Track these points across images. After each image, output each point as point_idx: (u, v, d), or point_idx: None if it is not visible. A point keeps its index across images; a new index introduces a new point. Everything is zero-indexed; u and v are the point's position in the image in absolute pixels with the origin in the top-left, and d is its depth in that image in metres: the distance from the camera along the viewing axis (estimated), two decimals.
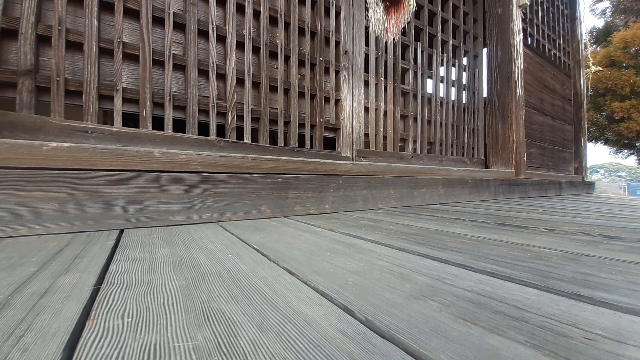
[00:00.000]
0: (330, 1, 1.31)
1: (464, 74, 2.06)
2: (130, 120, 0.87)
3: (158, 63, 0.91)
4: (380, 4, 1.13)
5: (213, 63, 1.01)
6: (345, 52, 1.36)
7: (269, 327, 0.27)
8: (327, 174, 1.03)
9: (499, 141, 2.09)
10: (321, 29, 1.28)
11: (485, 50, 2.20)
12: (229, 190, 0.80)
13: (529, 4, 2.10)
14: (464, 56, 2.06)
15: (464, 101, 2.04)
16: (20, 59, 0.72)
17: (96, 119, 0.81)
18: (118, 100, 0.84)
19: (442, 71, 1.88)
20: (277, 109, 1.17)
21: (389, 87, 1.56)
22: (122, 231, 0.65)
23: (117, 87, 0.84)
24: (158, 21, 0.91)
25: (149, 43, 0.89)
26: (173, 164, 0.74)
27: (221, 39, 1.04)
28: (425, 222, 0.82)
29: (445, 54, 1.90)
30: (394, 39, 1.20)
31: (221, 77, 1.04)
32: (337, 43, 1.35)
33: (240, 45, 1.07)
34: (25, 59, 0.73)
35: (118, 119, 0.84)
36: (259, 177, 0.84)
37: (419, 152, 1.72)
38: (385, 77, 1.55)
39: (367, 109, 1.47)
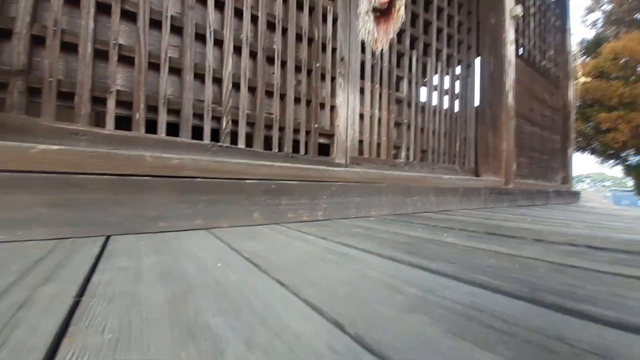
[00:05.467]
0: (328, 8, 1.32)
1: (457, 82, 2.09)
2: (123, 123, 0.86)
3: (154, 66, 0.91)
4: (370, 14, 1.15)
5: (209, 67, 1.00)
6: (342, 59, 1.37)
7: (257, 344, 0.26)
8: (320, 181, 1.04)
9: (489, 150, 2.13)
10: (318, 36, 1.29)
11: (478, 60, 2.25)
12: (221, 196, 0.79)
13: (521, 15, 2.16)
14: (458, 65, 2.10)
15: (456, 110, 2.08)
16: (13, 59, 0.71)
17: (88, 121, 0.80)
18: (111, 103, 0.83)
19: (436, 80, 1.91)
20: (272, 114, 1.17)
21: (384, 95, 1.58)
22: (108, 238, 0.64)
23: (111, 90, 0.83)
24: (155, 24, 0.91)
25: (145, 46, 0.88)
26: (165, 169, 0.74)
27: (218, 42, 1.04)
28: (416, 231, 0.83)
29: (439, 63, 1.93)
30: (382, 49, 1.22)
31: (217, 81, 1.04)
32: (334, 50, 1.36)
33: (238, 50, 1.08)
34: (18, 59, 0.71)
35: (110, 122, 0.83)
36: (252, 183, 0.84)
37: (411, 159, 1.74)
38: (381, 85, 1.57)
39: (362, 116, 1.48)
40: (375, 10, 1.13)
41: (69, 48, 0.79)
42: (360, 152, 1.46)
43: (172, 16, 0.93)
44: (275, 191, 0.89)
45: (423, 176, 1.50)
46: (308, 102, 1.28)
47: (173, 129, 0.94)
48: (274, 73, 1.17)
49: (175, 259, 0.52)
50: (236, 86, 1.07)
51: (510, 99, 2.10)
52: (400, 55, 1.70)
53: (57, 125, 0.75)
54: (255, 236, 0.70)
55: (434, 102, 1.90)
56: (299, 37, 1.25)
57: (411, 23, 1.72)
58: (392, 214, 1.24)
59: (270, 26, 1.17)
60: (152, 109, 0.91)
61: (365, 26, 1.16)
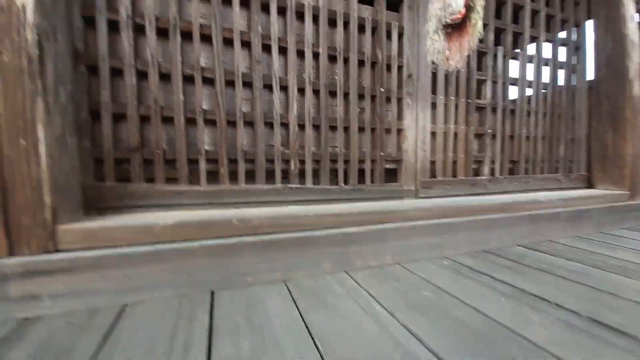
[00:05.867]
0: (392, 24, 1.23)
1: (561, 72, 1.70)
2: (211, 176, 1.00)
3: (231, 123, 1.01)
4: (440, 32, 1.01)
5: (277, 114, 1.06)
6: (409, 76, 1.27)
7: None
8: (387, 222, 1.00)
9: (607, 154, 1.69)
10: (382, 57, 1.22)
11: (589, 26, 1.76)
12: (295, 250, 0.85)
13: None
14: (560, 44, 1.70)
15: (560, 104, 1.70)
16: (130, 138, 0.89)
17: (186, 180, 0.95)
18: (202, 163, 0.97)
19: (530, 71, 1.59)
20: (336, 146, 1.17)
21: (460, 106, 1.41)
22: (212, 293, 0.76)
23: (201, 152, 0.97)
24: (229, 84, 1.01)
25: (223, 106, 0.99)
26: (248, 229, 0.83)
27: (283, 88, 1.08)
28: (497, 299, 0.72)
29: (535, 56, 1.60)
30: (457, 67, 1.07)
31: (284, 125, 1.09)
32: (400, 68, 1.27)
33: (301, 90, 1.11)
34: (134, 138, 0.89)
35: (203, 179, 0.97)
36: (321, 236, 0.88)
37: (497, 174, 1.52)
38: (457, 95, 1.40)
39: (433, 134, 1.35)
40: (446, 27, 1.00)
41: (167, 121, 0.94)
42: (433, 173, 1.35)
43: (242, 73, 1.01)
44: (342, 241, 0.90)
45: (513, 200, 1.29)
46: (372, 130, 1.24)
47: (249, 175, 1.04)
48: (336, 105, 1.17)
49: (253, 335, 0.59)
50: (301, 127, 1.11)
51: (637, 89, 1.60)
52: (481, 55, 1.47)
53: (166, 189, 0.91)
54: (326, 300, 0.71)
55: (529, 95, 1.60)
56: (361, 63, 1.20)
57: (496, 14, 1.46)
58: (472, 252, 1.11)
59: (332, 58, 1.16)
60: (233, 161, 1.02)
61: (434, 45, 1.04)
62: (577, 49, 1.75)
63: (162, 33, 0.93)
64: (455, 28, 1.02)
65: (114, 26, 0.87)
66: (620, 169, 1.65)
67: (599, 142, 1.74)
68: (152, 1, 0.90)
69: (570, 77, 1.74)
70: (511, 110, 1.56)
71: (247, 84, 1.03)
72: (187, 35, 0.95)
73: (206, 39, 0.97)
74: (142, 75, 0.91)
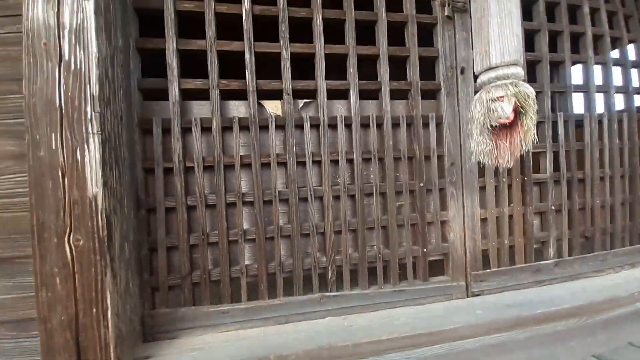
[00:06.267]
0: (430, 116, 1.18)
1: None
2: (251, 290, 1.04)
3: (269, 239, 1.06)
4: (486, 134, 0.93)
5: (312, 225, 1.08)
6: (452, 164, 1.19)
7: None
8: (431, 345, 0.94)
9: None
10: (419, 152, 1.16)
11: None
12: None
13: None
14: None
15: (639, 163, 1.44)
16: (182, 267, 0.99)
17: (229, 299, 1.01)
18: (243, 280, 1.03)
19: (604, 126, 1.37)
20: (374, 245, 1.14)
21: (514, 184, 1.27)
22: None
23: (242, 270, 1.03)
24: (267, 202, 1.06)
25: (261, 224, 1.04)
26: None
27: (319, 198, 1.10)
28: None
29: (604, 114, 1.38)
30: (507, 166, 0.96)
31: (320, 233, 1.10)
32: (440, 157, 1.20)
33: (336, 197, 1.11)
34: (185, 266, 0.98)
35: (244, 295, 1.02)
36: None
37: (565, 255, 1.32)
38: (510, 174, 1.26)
39: (484, 220, 1.24)
40: (493, 127, 0.91)
41: (212, 245, 1.02)
42: (485, 262, 1.23)
43: (279, 191, 1.06)
44: None
45: (585, 303, 1.10)
46: (413, 225, 1.18)
47: (287, 283, 1.07)
48: (373, 204, 1.14)
49: None
50: (338, 232, 1.11)
51: None
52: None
53: (212, 310, 0.99)
54: None
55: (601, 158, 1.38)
56: (397, 160, 1.16)
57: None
58: None
59: (366, 161, 1.14)
60: (271, 275, 1.06)
61: (479, 147, 0.96)
62: None
63: (209, 169, 1.02)
64: (504, 127, 0.93)
65: (169, 171, 0.98)
66: None
67: None
68: (200, 145, 0.99)
69: None
70: (579, 180, 1.36)
71: (284, 200, 1.07)
72: (230, 167, 1.02)
73: (246, 165, 1.04)
74: (191, 208, 1.00)
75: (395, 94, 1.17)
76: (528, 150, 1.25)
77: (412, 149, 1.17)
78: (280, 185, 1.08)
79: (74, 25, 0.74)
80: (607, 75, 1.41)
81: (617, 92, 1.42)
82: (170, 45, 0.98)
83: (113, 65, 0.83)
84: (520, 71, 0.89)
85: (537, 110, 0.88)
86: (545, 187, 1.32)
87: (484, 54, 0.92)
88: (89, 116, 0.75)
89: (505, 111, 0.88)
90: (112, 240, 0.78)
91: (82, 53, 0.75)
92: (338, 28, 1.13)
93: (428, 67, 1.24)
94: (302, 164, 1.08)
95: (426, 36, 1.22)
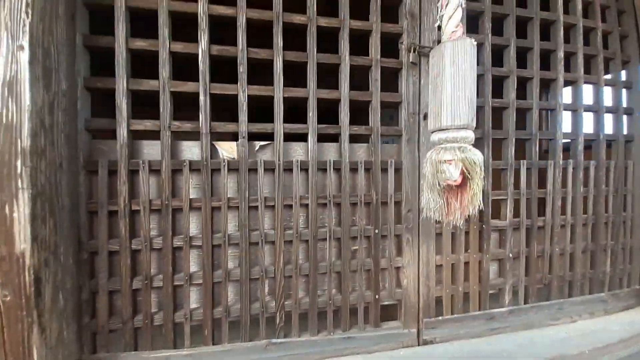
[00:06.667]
0: (389, 162, 1.17)
1: (599, 174, 1.45)
2: (195, 335, 1.04)
3: (217, 283, 1.05)
4: (436, 191, 0.92)
5: (263, 270, 1.07)
6: (409, 210, 1.19)
7: None
8: None
9: None
10: (377, 198, 1.16)
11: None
12: None
13: None
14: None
15: (606, 212, 1.45)
16: (124, 309, 0.97)
17: (172, 344, 1.00)
18: (187, 326, 1.02)
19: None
20: (326, 289, 1.14)
21: (472, 231, 1.27)
22: None
23: (187, 314, 1.02)
24: (216, 246, 1.04)
25: (209, 268, 1.03)
26: None
27: (270, 242, 1.09)
28: None
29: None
30: (457, 224, 0.96)
31: (271, 278, 1.09)
32: (398, 203, 1.19)
33: (289, 242, 1.10)
34: (126, 310, 0.97)
35: (187, 342, 1.01)
36: None
37: (521, 303, 1.33)
38: (468, 221, 1.26)
39: (439, 266, 1.24)
40: (443, 186, 0.91)
41: (156, 289, 1.01)
42: (439, 310, 1.23)
43: (229, 235, 1.05)
44: None
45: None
46: (367, 271, 1.18)
47: (233, 327, 1.06)
48: (326, 249, 1.14)
49: None
50: (289, 278, 1.10)
51: None
52: (498, 172, 1.32)
53: (152, 355, 0.98)
54: None
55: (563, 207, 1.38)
56: (354, 205, 1.16)
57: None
58: None
59: (322, 205, 1.14)
60: (217, 320, 1.05)
61: (430, 205, 0.96)
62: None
63: (157, 212, 1.00)
64: (453, 187, 0.92)
65: (114, 214, 0.96)
66: None
67: None
68: (147, 188, 0.98)
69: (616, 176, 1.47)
70: (539, 228, 1.36)
71: (234, 244, 1.06)
72: (179, 210, 1.01)
73: (196, 209, 1.02)
74: (136, 252, 0.99)
75: (356, 138, 1.16)
76: (488, 197, 1.27)
77: (370, 196, 1.16)
78: (232, 228, 1.07)
79: (7, 78, 0.72)
80: (576, 122, 1.41)
81: (585, 140, 1.42)
82: (121, 85, 0.96)
83: (52, 112, 0.81)
84: (470, 135, 0.89)
85: (483, 177, 0.88)
86: (504, 233, 1.32)
87: (437, 114, 0.92)
88: (18, 171, 0.73)
89: (453, 174, 0.88)
90: (42, 295, 0.77)
91: (14, 106, 0.73)
92: (299, 71, 1.12)
93: (390, 111, 1.23)
94: (255, 208, 1.07)
95: (390, 80, 1.21)
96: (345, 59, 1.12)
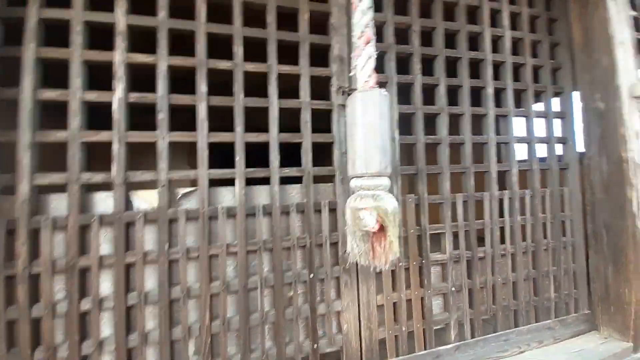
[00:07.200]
0: (322, 203, 1.15)
1: (545, 201, 1.50)
2: None
3: (131, 348, 0.96)
4: (358, 237, 0.91)
5: (186, 329, 0.99)
6: (346, 251, 1.16)
7: None
8: None
9: (609, 295, 1.41)
10: (311, 241, 1.13)
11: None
12: None
13: None
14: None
15: (545, 238, 1.49)
16: None
17: None
18: None
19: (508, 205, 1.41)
20: (260, 344, 1.07)
21: (412, 267, 1.26)
22: None
23: None
24: (131, 307, 0.97)
25: (122, 331, 0.94)
26: None
27: (195, 296, 1.02)
28: None
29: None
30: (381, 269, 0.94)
31: (196, 337, 1.02)
32: (334, 244, 1.17)
33: (216, 295, 1.04)
34: None
35: None
36: None
37: (468, 337, 1.31)
38: (407, 257, 1.25)
39: (381, 307, 1.21)
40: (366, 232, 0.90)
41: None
42: (384, 354, 1.19)
43: (146, 292, 0.97)
44: None
45: None
46: (305, 318, 1.13)
47: None
48: (258, 298, 1.08)
49: None
50: (216, 335, 1.03)
51: None
52: (436, 205, 1.33)
53: None
54: None
55: (505, 230, 1.40)
56: (287, 249, 1.12)
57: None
58: None
59: (253, 252, 1.09)
60: None
61: (354, 251, 0.94)
62: (563, 169, 1.54)
63: (62, 273, 0.92)
64: (375, 232, 0.91)
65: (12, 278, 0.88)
66: (624, 317, 1.36)
67: (600, 278, 1.47)
68: (51, 248, 0.90)
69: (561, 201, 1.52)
70: (480, 259, 1.37)
71: (153, 303, 0.98)
72: (87, 270, 0.94)
73: (108, 267, 0.95)
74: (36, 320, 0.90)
75: (288, 180, 1.14)
76: (426, 232, 1.27)
77: (303, 240, 1.13)
78: (151, 285, 1.00)
79: None
80: (508, 152, 1.46)
81: (520, 169, 1.47)
82: (25, 138, 0.90)
83: None
84: (384, 182, 0.88)
85: (399, 224, 0.87)
86: (445, 267, 1.32)
87: (353, 160, 0.91)
88: None
89: (369, 222, 0.87)
90: None
91: None
92: (227, 114, 1.10)
93: (325, 150, 1.23)
94: (177, 261, 1.01)
95: (322, 119, 1.22)
96: (274, 103, 1.12)
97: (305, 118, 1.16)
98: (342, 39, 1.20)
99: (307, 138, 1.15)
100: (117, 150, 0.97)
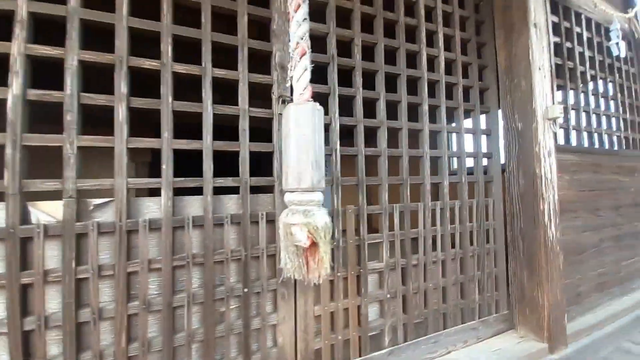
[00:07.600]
0: (260, 214, 1.12)
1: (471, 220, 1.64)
2: None
3: None
4: (291, 252, 0.90)
5: (97, 356, 0.89)
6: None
7: None
8: None
9: (524, 297, 1.60)
10: (246, 253, 1.09)
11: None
12: None
13: (562, 116, 1.59)
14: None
15: (472, 245, 1.62)
16: None
17: None
18: None
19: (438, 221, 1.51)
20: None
21: (350, 276, 1.28)
22: None
23: None
24: (28, 332, 0.84)
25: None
26: None
27: (109, 318, 0.92)
28: None
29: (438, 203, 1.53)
30: (316, 282, 0.95)
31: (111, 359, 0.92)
32: (272, 256, 1.15)
33: (134, 315, 0.95)
34: None
35: None
36: None
37: (400, 342, 1.37)
38: (346, 266, 1.28)
39: (317, 317, 1.21)
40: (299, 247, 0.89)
41: None
42: None
43: (49, 316, 0.85)
44: None
45: None
46: (238, 334, 1.09)
47: None
48: (184, 316, 1.01)
49: None
50: (134, 358, 0.94)
51: (552, 231, 1.55)
52: (375, 216, 1.38)
53: None
54: None
55: (434, 236, 1.50)
56: (219, 263, 1.07)
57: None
58: None
59: (180, 267, 1.02)
60: None
61: (287, 265, 0.93)
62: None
63: None
64: (308, 247, 0.91)
65: None
66: (538, 318, 1.55)
67: (517, 282, 1.65)
68: None
69: (483, 218, 1.68)
70: (414, 266, 1.45)
71: (56, 327, 0.87)
72: None
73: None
74: None
75: (225, 190, 1.09)
76: (365, 240, 1.30)
77: (239, 253, 1.09)
78: (54, 307, 0.88)
79: None
80: (442, 164, 1.57)
81: (450, 182, 1.59)
82: None
83: None
84: (316, 197, 0.88)
85: (329, 240, 0.88)
86: (382, 275, 1.37)
87: (286, 174, 0.90)
88: None
89: (300, 238, 0.86)
90: None
91: None
92: (155, 119, 1.02)
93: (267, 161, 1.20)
94: (87, 280, 0.90)
95: (264, 127, 1.19)
96: (208, 108, 1.06)
97: (244, 126, 1.11)
98: (283, 47, 1.18)
99: (244, 147, 1.11)
100: (11, 155, 0.83)
